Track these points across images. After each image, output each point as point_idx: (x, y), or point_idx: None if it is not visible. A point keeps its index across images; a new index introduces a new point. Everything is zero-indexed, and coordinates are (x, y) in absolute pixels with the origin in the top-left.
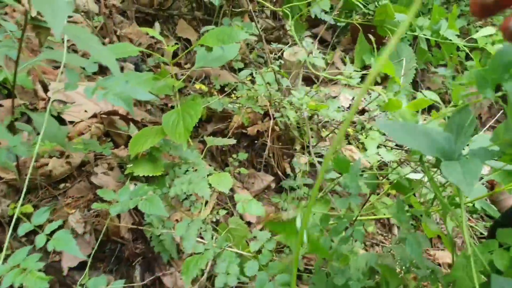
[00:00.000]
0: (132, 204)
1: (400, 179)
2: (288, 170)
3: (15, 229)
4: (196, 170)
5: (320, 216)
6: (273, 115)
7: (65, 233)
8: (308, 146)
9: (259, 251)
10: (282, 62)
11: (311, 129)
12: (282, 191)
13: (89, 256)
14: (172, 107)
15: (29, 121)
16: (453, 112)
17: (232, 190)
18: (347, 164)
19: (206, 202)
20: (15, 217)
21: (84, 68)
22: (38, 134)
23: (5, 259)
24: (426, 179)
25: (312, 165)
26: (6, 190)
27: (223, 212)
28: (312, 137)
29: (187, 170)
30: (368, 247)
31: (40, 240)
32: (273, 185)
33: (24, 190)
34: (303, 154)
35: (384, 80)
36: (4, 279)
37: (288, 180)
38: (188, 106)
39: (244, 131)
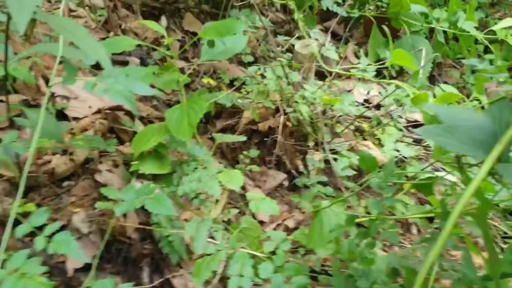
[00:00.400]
0: (139, 203)
1: (419, 177)
2: (301, 168)
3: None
4: (205, 167)
5: (346, 217)
6: (284, 110)
7: (66, 235)
8: (322, 142)
9: (273, 252)
10: (291, 55)
11: (325, 124)
12: (295, 189)
13: (94, 257)
14: (179, 102)
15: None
16: (489, 105)
17: (243, 188)
18: (373, 161)
19: (217, 201)
20: (12, 217)
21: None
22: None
23: (4, 262)
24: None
25: (326, 162)
26: (8, 188)
27: (234, 211)
28: (326, 132)
29: (196, 168)
30: (387, 247)
31: (39, 242)
32: (285, 183)
33: (22, 188)
34: (317, 150)
35: (399, 74)
36: (4, 284)
37: (302, 177)
38: (193, 101)
39: (254, 127)
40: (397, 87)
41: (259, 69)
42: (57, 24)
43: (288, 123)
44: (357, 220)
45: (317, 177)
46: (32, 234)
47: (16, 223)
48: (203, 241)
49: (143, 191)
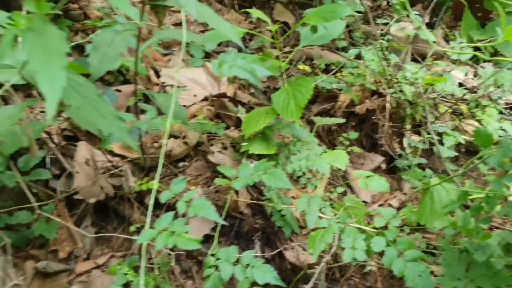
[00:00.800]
0: (256, 178)
1: None
2: (398, 150)
3: (141, 203)
4: (309, 148)
5: (459, 193)
6: (384, 92)
7: (203, 200)
8: (420, 124)
9: (382, 228)
10: (390, 37)
11: (428, 105)
12: (392, 172)
13: (213, 229)
14: (276, 88)
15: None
16: None
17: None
18: (489, 137)
19: (320, 180)
20: (154, 190)
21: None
22: (160, 114)
23: (137, 231)
24: None
25: (426, 143)
26: (132, 168)
27: (340, 189)
28: (430, 112)
29: (301, 148)
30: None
31: (180, 207)
32: (383, 166)
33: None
34: (415, 132)
35: (493, 55)
36: (156, 241)
37: (402, 159)
38: (298, 84)
39: (352, 110)
40: (496, 64)
41: (359, 51)
42: (194, 9)
43: (387, 105)
44: (470, 197)
45: (417, 159)
46: (154, 209)
47: (140, 198)
48: (315, 215)
49: (259, 167)
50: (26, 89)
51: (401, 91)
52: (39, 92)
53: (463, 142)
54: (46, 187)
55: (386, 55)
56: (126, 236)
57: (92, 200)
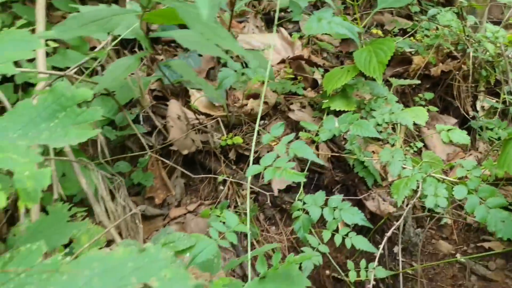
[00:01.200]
0: (344, 128)
1: None
2: (471, 112)
3: (225, 157)
4: (389, 105)
5: None
6: (459, 53)
7: (302, 142)
8: (494, 87)
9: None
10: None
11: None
12: (468, 132)
13: (294, 181)
14: (348, 53)
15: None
16: None
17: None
18: None
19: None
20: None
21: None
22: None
23: (224, 182)
24: None
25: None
26: (215, 125)
27: (420, 145)
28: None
29: (379, 107)
30: None
31: (280, 148)
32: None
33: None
34: (490, 94)
35: None
36: (264, 175)
37: (477, 121)
38: (379, 42)
39: (426, 73)
40: None
41: (439, 12)
42: None
43: (463, 66)
44: None
45: (496, 120)
46: (237, 162)
47: (224, 152)
48: (398, 165)
49: (345, 119)
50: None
51: (477, 51)
52: (145, 47)
53: None
54: (139, 142)
55: (465, 16)
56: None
57: (185, 152)
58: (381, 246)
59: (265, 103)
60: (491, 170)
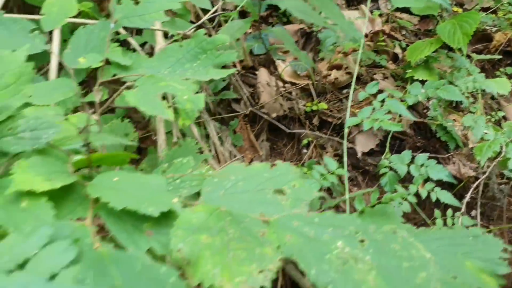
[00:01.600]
0: (431, 93)
1: None
2: None
3: (310, 122)
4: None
5: None
6: None
7: (396, 101)
8: None
9: None
10: None
11: None
12: None
13: (377, 145)
14: (427, 30)
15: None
16: None
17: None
18: None
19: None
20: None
21: None
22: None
23: (307, 145)
24: None
25: None
26: (300, 94)
27: (501, 113)
28: None
29: (462, 77)
30: None
31: (376, 104)
32: None
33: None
34: None
35: None
36: (364, 125)
37: None
38: (464, 16)
39: (507, 49)
40: None
41: None
42: None
43: None
44: None
45: None
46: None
47: (307, 118)
48: (481, 130)
49: (431, 85)
50: None
51: None
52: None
53: None
54: (228, 108)
55: None
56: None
57: (274, 114)
58: (464, 200)
59: (348, 73)
60: None
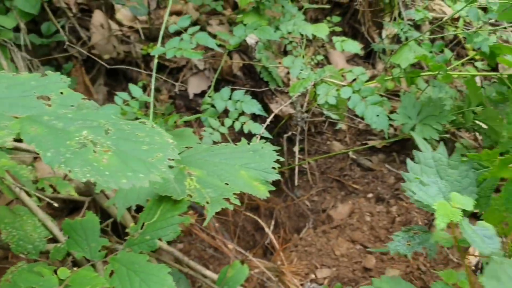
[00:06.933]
0: (249, 32)
1: None
2: (377, 40)
3: (147, 66)
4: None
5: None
6: None
7: (204, 34)
8: (397, 17)
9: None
10: None
11: None
12: (369, 57)
13: (209, 87)
14: None
15: None
16: None
17: (326, 57)
18: None
19: (305, 49)
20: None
21: None
22: None
23: (144, 88)
24: None
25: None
26: (138, 38)
27: (320, 57)
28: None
29: (287, 21)
30: None
31: (185, 37)
32: (361, 52)
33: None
34: (393, 21)
35: None
36: (167, 53)
37: (378, 44)
38: None
39: (337, 0)
40: None
41: None
42: None
43: None
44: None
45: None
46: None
47: (147, 63)
48: (297, 69)
49: (251, 26)
50: None
51: None
52: None
53: (430, 17)
54: (64, 51)
55: None
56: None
57: (106, 57)
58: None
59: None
60: (382, 83)
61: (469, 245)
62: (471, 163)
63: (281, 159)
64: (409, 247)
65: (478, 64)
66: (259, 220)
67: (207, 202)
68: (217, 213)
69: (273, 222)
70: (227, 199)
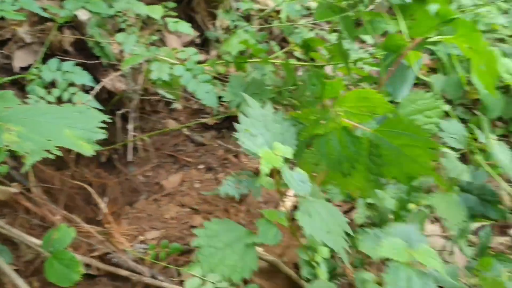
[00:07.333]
0: (79, 5)
1: None
2: (212, 30)
3: None
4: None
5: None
6: None
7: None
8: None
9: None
10: None
11: None
12: (204, 45)
13: (35, 61)
14: None
15: None
16: None
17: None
18: None
19: (140, 30)
20: None
21: None
22: None
23: None
24: None
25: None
26: None
27: (155, 37)
28: None
29: None
30: None
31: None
32: (198, 41)
33: None
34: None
35: None
36: None
37: (212, 32)
38: None
39: None
40: None
41: None
42: None
43: None
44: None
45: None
46: None
47: None
48: (131, 44)
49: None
50: None
51: None
52: None
53: (255, 9)
54: None
55: None
56: None
57: None
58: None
59: None
60: (212, 66)
61: (288, 188)
62: (293, 121)
63: (108, 119)
64: (238, 189)
65: (297, 54)
66: (90, 189)
67: (27, 153)
68: (44, 183)
69: (105, 199)
70: (48, 151)
